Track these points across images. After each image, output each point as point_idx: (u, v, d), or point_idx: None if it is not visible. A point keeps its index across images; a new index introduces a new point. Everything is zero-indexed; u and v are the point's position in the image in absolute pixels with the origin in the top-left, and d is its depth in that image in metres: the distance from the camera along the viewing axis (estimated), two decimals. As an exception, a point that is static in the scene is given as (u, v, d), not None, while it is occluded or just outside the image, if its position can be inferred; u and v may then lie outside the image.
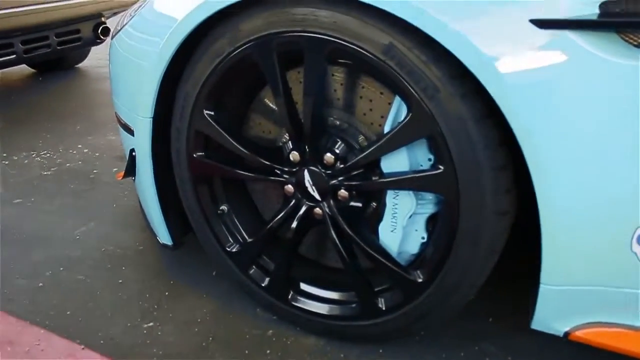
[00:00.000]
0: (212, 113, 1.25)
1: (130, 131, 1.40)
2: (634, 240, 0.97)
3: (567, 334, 1.10)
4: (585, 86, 0.90)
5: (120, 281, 1.59)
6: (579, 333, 1.10)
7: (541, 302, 1.09)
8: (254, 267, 1.36)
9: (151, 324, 1.42)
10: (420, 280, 1.15)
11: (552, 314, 1.10)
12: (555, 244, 1.01)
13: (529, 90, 0.92)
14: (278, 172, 1.25)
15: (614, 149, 0.92)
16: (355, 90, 1.19)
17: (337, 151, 1.19)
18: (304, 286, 1.34)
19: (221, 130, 1.25)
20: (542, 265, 1.04)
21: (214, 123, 1.25)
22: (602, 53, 0.88)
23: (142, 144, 1.36)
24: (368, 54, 1.03)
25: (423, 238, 1.17)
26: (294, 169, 1.23)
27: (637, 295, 1.03)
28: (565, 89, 0.91)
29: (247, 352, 1.32)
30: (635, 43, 0.89)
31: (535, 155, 0.95)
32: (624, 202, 0.94)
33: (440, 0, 0.93)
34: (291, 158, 1.22)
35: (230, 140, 1.25)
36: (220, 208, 1.37)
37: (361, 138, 1.20)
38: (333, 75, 1.20)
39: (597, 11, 0.88)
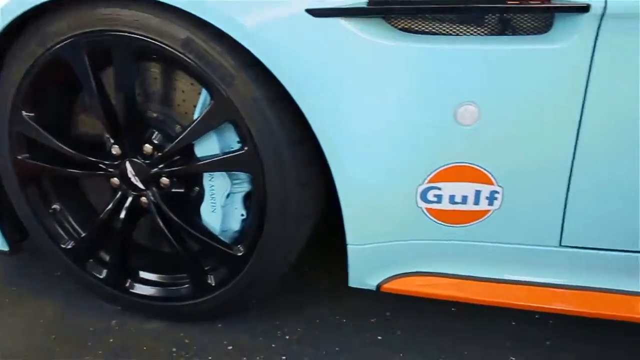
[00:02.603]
0: (32, 114, 1.28)
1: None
2: (418, 197, 1.13)
3: (379, 286, 1.25)
4: (359, 67, 1.04)
5: (-44, 292, 1.57)
6: (388, 285, 1.25)
7: (351, 261, 1.23)
8: (91, 260, 1.40)
9: (-10, 330, 1.42)
10: (240, 253, 1.25)
11: (362, 271, 1.24)
12: (352, 206, 1.15)
13: (311, 74, 1.04)
14: (103, 166, 1.30)
15: (391, 121, 1.07)
16: (169, 83, 1.26)
17: (155, 141, 1.25)
18: (142, 273, 1.40)
19: (42, 131, 1.27)
20: (345, 228, 1.18)
21: (34, 124, 1.27)
22: (372, 37, 1.01)
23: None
24: (169, 49, 1.11)
25: (242, 215, 1.28)
26: (117, 162, 1.28)
27: (431, 245, 1.20)
28: (342, 71, 1.04)
29: (89, 344, 1.36)
30: (399, 27, 1.04)
31: (323, 130, 1.08)
32: (405, 163, 1.10)
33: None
34: (113, 152, 1.27)
35: (52, 139, 1.28)
36: (52, 207, 1.40)
37: (178, 127, 1.28)
38: (148, 70, 1.27)
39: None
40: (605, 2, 0.93)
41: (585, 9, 0.94)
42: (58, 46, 1.18)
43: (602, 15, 0.94)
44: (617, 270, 1.17)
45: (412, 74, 1.03)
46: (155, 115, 1.28)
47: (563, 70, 0.99)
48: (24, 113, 1.27)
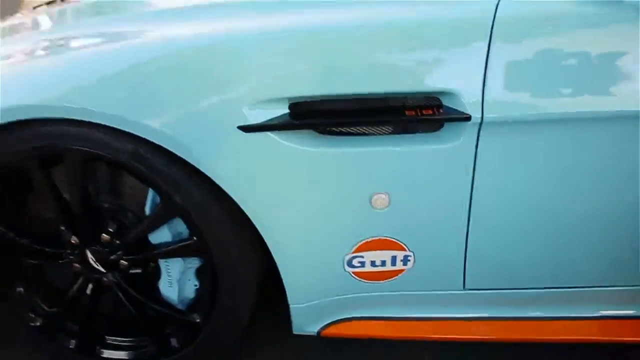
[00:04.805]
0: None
1: None
2: (345, 264, 1.35)
3: (319, 332, 1.47)
4: (289, 169, 1.22)
5: None
6: (327, 331, 1.48)
7: (294, 316, 1.44)
8: (59, 333, 1.56)
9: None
10: (198, 320, 1.45)
11: (303, 322, 1.46)
12: (291, 277, 1.36)
13: (247, 178, 1.22)
14: (63, 254, 1.44)
15: (318, 209, 1.27)
16: (119, 177, 1.41)
17: (111, 230, 1.41)
18: (109, 339, 1.56)
19: (3, 229, 1.40)
20: (287, 293, 1.39)
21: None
22: (296, 144, 1.20)
23: None
24: (118, 159, 1.25)
25: (196, 285, 1.46)
26: (77, 251, 1.43)
27: (359, 297, 1.43)
28: (275, 173, 1.22)
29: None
30: (324, 132, 1.22)
31: (261, 222, 1.27)
32: (332, 241, 1.32)
33: (166, 118, 1.18)
34: (72, 241, 1.41)
35: (12, 235, 1.41)
36: (17, 290, 1.53)
37: (130, 215, 1.43)
38: (98, 168, 1.39)
39: (288, 110, 1.19)
40: (482, 113, 1.15)
41: (467, 118, 1.16)
42: (13, 156, 1.30)
43: (481, 123, 1.16)
44: (514, 303, 1.44)
45: (333, 172, 1.23)
46: (107, 205, 1.43)
47: (454, 164, 1.22)
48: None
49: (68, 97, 1.20)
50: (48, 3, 1.95)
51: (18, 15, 1.97)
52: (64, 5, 1.80)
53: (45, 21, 1.73)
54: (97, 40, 1.29)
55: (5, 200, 1.43)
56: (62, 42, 1.33)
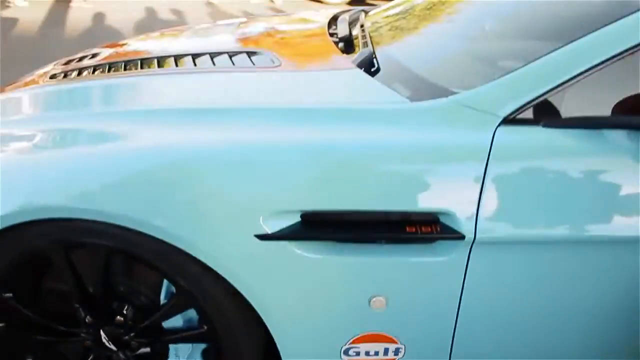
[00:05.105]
0: (11, 295, 1.48)
1: None
2: (342, 353, 1.47)
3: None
4: (294, 271, 1.34)
5: None
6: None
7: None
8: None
9: None
10: (202, 398, 1.56)
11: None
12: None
13: (258, 280, 1.34)
14: (77, 332, 1.53)
15: (321, 307, 1.40)
16: (135, 263, 1.51)
17: (125, 312, 1.51)
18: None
19: (21, 308, 1.49)
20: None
21: (14, 302, 1.48)
22: (304, 252, 1.32)
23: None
24: (141, 256, 1.36)
25: (201, 364, 1.58)
26: (91, 329, 1.52)
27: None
28: (283, 276, 1.34)
29: None
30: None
31: (269, 315, 1.39)
32: (332, 333, 1.44)
33: (183, 222, 1.28)
34: (87, 321, 1.51)
35: (32, 315, 1.50)
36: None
37: (143, 297, 1.53)
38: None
39: (300, 219, 1.31)
40: (475, 234, 1.29)
41: (461, 237, 1.30)
42: (37, 245, 1.39)
43: (473, 242, 1.30)
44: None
45: (337, 276, 1.36)
46: (122, 288, 1.53)
47: (446, 275, 1.36)
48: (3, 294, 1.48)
49: (84, 199, 1.29)
50: (51, 77, 1.88)
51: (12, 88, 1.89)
52: (62, 86, 1.76)
53: (45, 102, 1.70)
54: (111, 136, 1.36)
55: (21, 280, 1.51)
56: (68, 134, 1.41)
